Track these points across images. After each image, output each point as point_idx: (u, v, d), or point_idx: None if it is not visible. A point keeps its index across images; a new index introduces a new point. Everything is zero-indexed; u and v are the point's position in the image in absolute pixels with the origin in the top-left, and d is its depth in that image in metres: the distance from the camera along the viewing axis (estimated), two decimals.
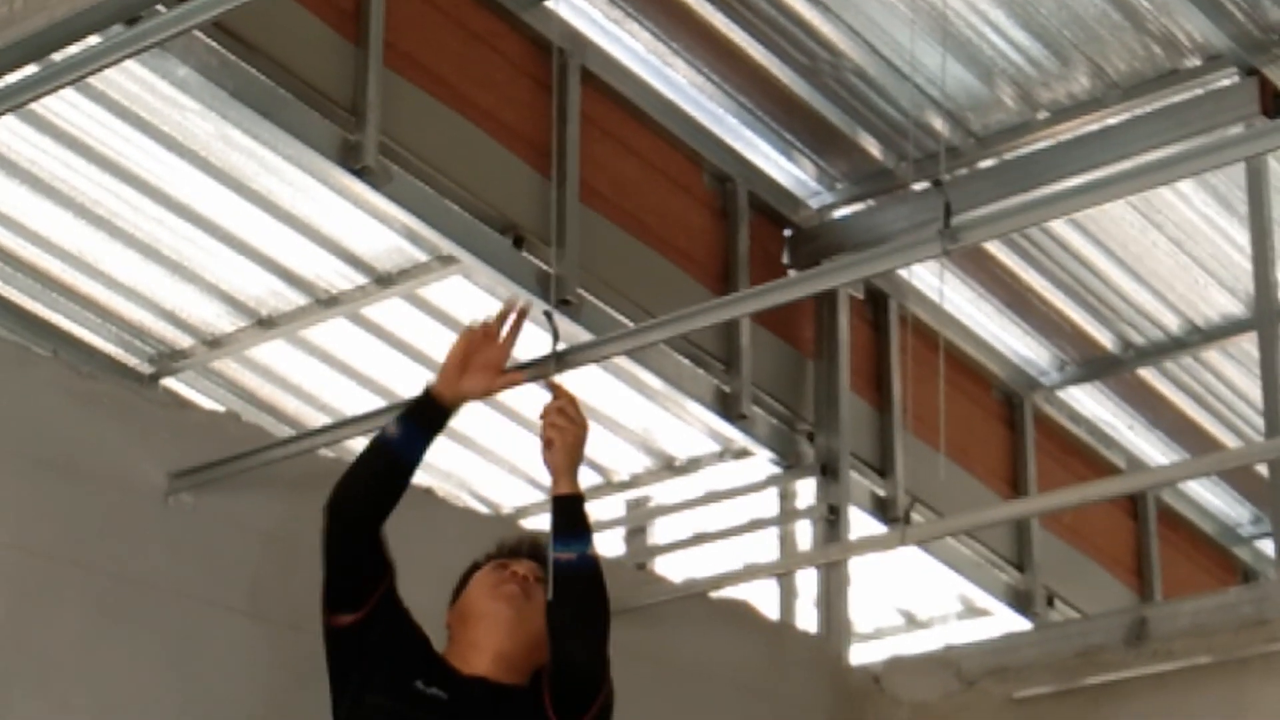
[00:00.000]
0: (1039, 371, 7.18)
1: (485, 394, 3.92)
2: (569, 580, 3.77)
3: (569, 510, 3.82)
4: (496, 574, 3.95)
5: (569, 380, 3.91)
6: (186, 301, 6.18)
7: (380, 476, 3.93)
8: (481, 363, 3.89)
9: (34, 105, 4.74)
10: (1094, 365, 7.15)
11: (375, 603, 3.88)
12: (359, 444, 4.14)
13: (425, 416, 3.92)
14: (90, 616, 4.14)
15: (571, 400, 3.88)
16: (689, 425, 6.42)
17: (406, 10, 5.36)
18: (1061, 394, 7.27)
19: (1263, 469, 6.24)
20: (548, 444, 3.85)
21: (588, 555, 3.79)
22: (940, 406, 5.67)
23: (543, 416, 3.87)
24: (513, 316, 3.92)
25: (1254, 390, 6.40)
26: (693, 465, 6.71)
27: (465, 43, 5.56)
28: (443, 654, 3.91)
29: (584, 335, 5.56)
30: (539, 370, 3.90)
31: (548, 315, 3.92)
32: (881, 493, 6.60)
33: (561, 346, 3.93)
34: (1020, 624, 6.96)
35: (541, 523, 4.21)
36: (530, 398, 4.14)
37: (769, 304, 4.05)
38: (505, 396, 4.67)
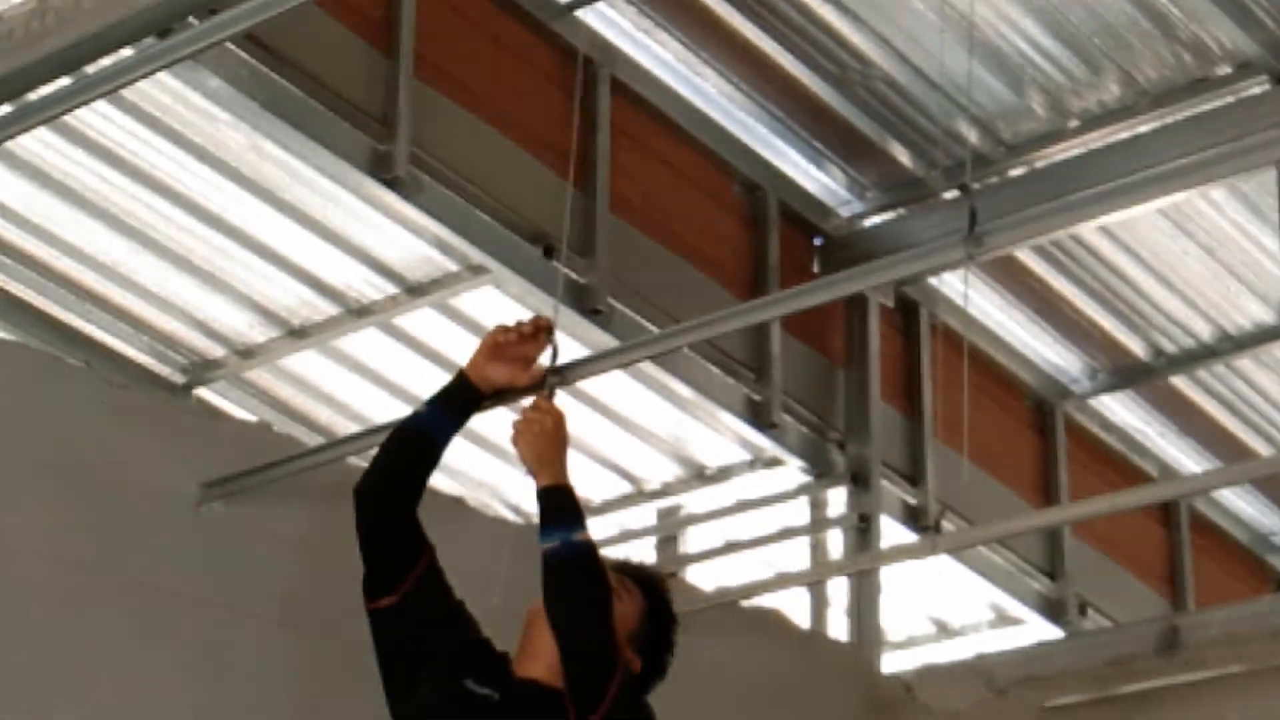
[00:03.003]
0: (1070, 380, 7.17)
1: (509, 384, 3.95)
2: (554, 567, 3.70)
3: (547, 500, 3.79)
4: None
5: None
6: (219, 312, 6.20)
7: (403, 452, 3.94)
8: (510, 355, 3.94)
9: (67, 117, 4.77)
10: (1125, 373, 7.13)
11: (411, 586, 3.85)
12: None
13: (453, 397, 3.96)
14: (123, 626, 4.16)
15: (545, 401, 3.90)
16: (720, 434, 6.42)
17: (436, 21, 5.38)
18: (1093, 402, 7.26)
19: None
20: (513, 440, 3.86)
21: (572, 540, 3.72)
22: (964, 412, 5.67)
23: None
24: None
25: None
26: (724, 474, 6.71)
27: (495, 53, 5.57)
28: (513, 655, 3.86)
29: (614, 344, 5.57)
30: (550, 380, 3.92)
31: (548, 330, 3.94)
32: (913, 501, 6.59)
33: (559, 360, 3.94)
34: (1052, 632, 6.95)
35: None
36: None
37: (789, 310, 4.05)
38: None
